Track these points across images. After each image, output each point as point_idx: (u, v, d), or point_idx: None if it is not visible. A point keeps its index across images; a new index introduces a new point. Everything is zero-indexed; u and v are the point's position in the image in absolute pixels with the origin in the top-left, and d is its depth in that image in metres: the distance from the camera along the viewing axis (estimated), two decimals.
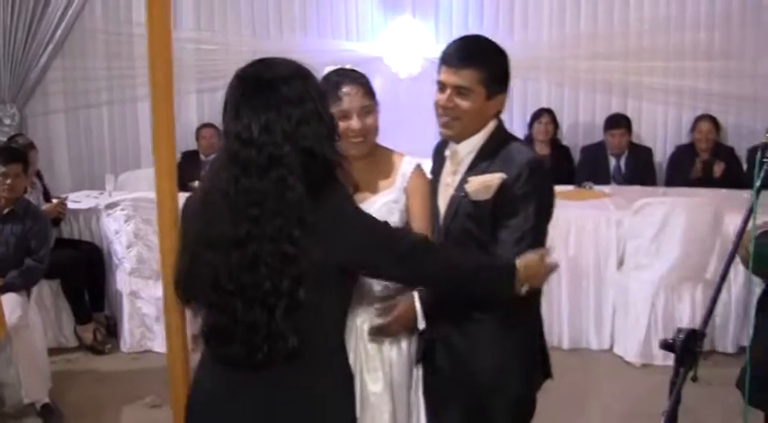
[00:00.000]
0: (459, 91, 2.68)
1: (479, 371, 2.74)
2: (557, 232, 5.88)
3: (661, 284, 5.53)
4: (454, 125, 2.72)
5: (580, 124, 8.01)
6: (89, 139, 8.74)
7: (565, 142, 7.86)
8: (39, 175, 6.66)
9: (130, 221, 5.81)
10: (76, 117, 8.68)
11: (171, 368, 2.95)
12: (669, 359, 5.55)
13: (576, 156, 7.75)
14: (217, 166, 2.25)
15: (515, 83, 8.03)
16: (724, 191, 6.39)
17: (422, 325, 2.66)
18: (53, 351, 5.81)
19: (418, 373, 2.95)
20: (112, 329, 6.32)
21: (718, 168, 6.93)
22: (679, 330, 2.25)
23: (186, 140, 7.65)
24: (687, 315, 5.53)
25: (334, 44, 8.08)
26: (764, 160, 2.39)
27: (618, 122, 7.34)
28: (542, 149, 7.54)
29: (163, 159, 2.92)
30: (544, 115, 7.60)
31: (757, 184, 2.37)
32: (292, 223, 2.11)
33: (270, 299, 2.13)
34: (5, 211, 5.36)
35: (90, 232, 6.56)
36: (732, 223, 5.33)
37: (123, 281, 6.05)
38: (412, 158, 3.01)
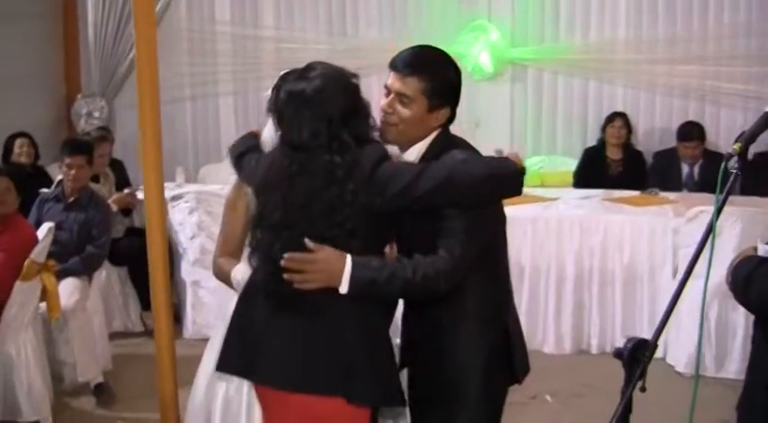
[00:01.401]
0: (401, 98, 2.69)
1: (438, 368, 2.75)
2: (612, 238, 5.89)
3: (715, 294, 5.41)
4: (390, 131, 2.72)
5: (656, 129, 7.88)
6: (172, 132, 8.97)
7: (640, 147, 7.73)
8: (114, 166, 6.93)
9: (194, 213, 6.06)
10: (162, 111, 8.89)
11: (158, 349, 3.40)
12: (722, 371, 5.54)
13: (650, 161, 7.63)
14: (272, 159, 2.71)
15: (590, 85, 8.07)
16: None
17: (344, 288, 2.52)
18: (119, 335, 6.19)
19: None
20: (178, 317, 6.53)
21: None
22: (628, 339, 2.31)
23: None
24: (741, 325, 5.39)
25: (410, 44, 8.11)
26: (732, 170, 2.31)
27: (690, 135, 7.15)
28: (615, 154, 7.49)
29: (150, 152, 3.18)
30: (617, 119, 7.50)
31: (720, 196, 2.31)
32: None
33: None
34: (70, 199, 5.67)
35: None
36: None
37: (187, 270, 6.29)
38: None
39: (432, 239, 2.57)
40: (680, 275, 5.40)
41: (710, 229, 2.30)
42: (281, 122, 2.68)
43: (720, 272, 5.37)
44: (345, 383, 2.57)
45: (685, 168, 7.20)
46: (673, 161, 7.26)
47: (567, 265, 5.98)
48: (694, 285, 5.53)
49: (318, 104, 2.58)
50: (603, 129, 7.57)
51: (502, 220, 2.82)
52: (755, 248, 2.82)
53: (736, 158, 2.31)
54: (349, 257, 2.54)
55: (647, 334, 5.85)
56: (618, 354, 2.28)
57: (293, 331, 2.62)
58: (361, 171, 2.55)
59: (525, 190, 7.26)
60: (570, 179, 7.64)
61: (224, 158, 8.64)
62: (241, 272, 2.85)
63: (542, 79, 8.13)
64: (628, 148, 7.56)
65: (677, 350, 5.60)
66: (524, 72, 8.15)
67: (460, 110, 8.49)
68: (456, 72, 2.77)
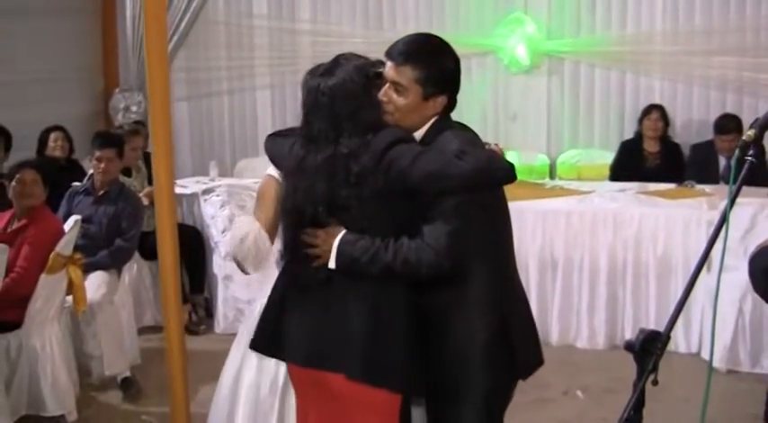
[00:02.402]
0: (396, 87, 2.69)
1: (438, 351, 2.75)
2: (646, 231, 5.84)
3: (749, 288, 5.33)
4: (389, 118, 2.72)
5: (694, 121, 7.80)
6: (210, 126, 9.08)
7: (677, 140, 7.64)
8: (148, 160, 6.98)
9: (225, 207, 6.07)
10: (199, 105, 9.05)
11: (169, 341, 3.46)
12: (758, 366, 5.47)
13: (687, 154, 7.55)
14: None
15: (627, 77, 8.00)
16: None
17: (332, 263, 2.65)
18: (151, 329, 6.18)
19: None
20: (210, 311, 6.59)
21: None
22: (641, 331, 2.25)
23: None
24: None
25: (447, 38, 8.07)
26: (747, 158, 2.27)
27: (727, 128, 7.02)
28: (652, 146, 7.42)
29: (161, 155, 3.23)
30: (654, 111, 7.43)
31: (733, 187, 2.26)
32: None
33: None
34: (100, 192, 5.69)
35: (192, 216, 6.86)
36: None
37: (218, 265, 6.31)
38: None
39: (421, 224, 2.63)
40: (715, 268, 5.39)
41: (723, 220, 2.27)
42: (303, 115, 2.79)
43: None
44: (347, 359, 2.67)
45: (722, 161, 7.11)
46: (710, 154, 7.16)
47: (601, 258, 5.93)
48: (728, 279, 5.50)
49: (330, 102, 2.69)
50: (640, 121, 7.50)
51: (502, 207, 2.85)
52: None
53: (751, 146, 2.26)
54: (342, 233, 2.65)
55: (681, 328, 5.86)
56: (629, 346, 2.25)
57: (311, 312, 2.74)
58: (371, 155, 2.62)
59: (561, 183, 7.25)
60: (607, 172, 7.59)
61: (261, 153, 8.74)
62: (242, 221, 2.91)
63: (579, 72, 8.07)
64: (665, 141, 7.48)
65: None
66: (561, 65, 8.09)
67: (497, 103, 8.47)
68: (453, 59, 2.76)
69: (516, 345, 2.81)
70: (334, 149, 2.66)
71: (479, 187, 2.62)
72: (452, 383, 2.75)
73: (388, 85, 2.71)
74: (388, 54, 2.72)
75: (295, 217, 2.74)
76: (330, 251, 2.65)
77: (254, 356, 3.36)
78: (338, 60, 2.76)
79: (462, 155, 2.58)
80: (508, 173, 2.67)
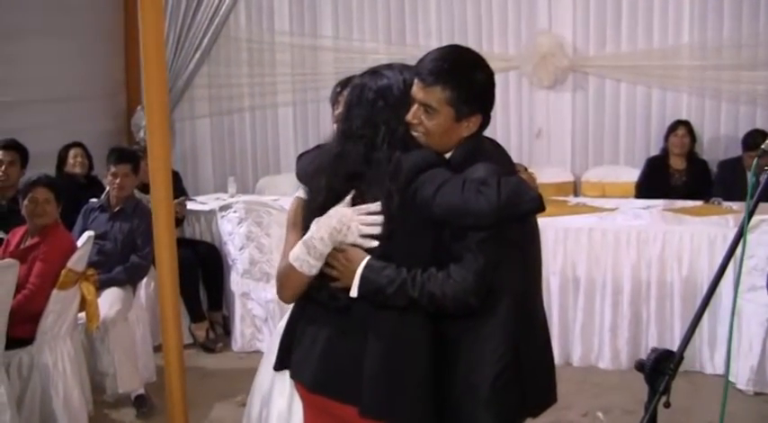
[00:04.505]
0: (426, 109, 2.49)
1: (448, 382, 2.58)
2: (671, 249, 5.71)
3: None
4: (423, 140, 2.53)
5: (721, 137, 7.64)
6: (232, 143, 9.06)
7: (705, 156, 7.50)
8: None
9: (243, 223, 6.02)
10: (221, 122, 9.03)
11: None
12: None
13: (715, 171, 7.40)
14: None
15: (654, 92, 7.88)
16: None
17: (354, 290, 2.47)
18: None
19: None
20: (227, 329, 6.52)
21: None
22: (653, 350, 2.15)
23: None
24: None
25: None
26: (766, 168, 2.17)
27: (756, 144, 6.82)
28: (678, 163, 7.30)
29: (159, 162, 3.20)
30: (680, 127, 7.30)
31: (751, 202, 2.16)
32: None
33: None
34: (115, 208, 5.69)
35: (210, 233, 6.81)
36: None
37: (236, 282, 6.25)
38: None
39: (449, 254, 2.46)
40: (743, 287, 5.23)
41: (740, 235, 2.16)
42: (344, 111, 2.67)
43: None
44: (362, 393, 2.52)
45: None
46: (738, 171, 7.01)
47: (624, 277, 5.80)
48: (755, 299, 5.34)
49: (374, 101, 2.54)
50: (666, 138, 7.38)
51: (533, 238, 2.69)
52: None
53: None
54: (366, 259, 2.47)
55: (707, 349, 5.71)
56: (639, 366, 2.14)
57: (322, 333, 2.61)
58: (399, 178, 2.47)
59: (585, 200, 7.14)
60: (632, 190, 7.46)
61: (283, 170, 8.75)
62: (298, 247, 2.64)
63: (604, 87, 7.94)
64: (692, 158, 7.35)
65: (738, 367, 5.37)
66: (586, 80, 7.97)
67: (521, 119, 8.37)
68: (487, 74, 2.54)
69: (528, 382, 2.61)
70: (370, 150, 2.52)
71: (502, 222, 2.44)
72: (459, 418, 2.58)
73: (416, 105, 2.50)
74: (416, 72, 2.51)
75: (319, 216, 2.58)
76: (352, 277, 2.48)
77: (286, 381, 3.14)
78: (390, 65, 2.61)
79: (484, 187, 2.39)
80: (534, 205, 2.47)
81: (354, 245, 2.50)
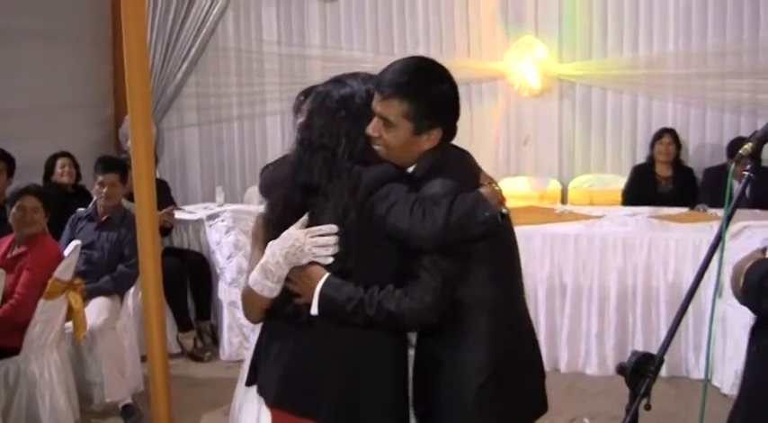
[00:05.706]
0: (385, 122, 2.42)
1: (432, 395, 2.55)
2: (657, 256, 5.74)
3: None
4: (384, 153, 2.47)
5: (707, 145, 7.69)
6: (220, 152, 9.08)
7: (690, 163, 7.55)
8: (157, 186, 6.93)
9: (231, 232, 6.04)
10: (209, 131, 9.06)
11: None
12: None
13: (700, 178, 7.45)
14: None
15: (639, 100, 7.93)
16: None
17: (314, 308, 2.44)
18: None
19: None
20: (215, 338, 6.52)
21: None
22: (633, 353, 2.17)
23: None
24: None
25: (457, 63, 8.04)
26: (745, 172, 2.19)
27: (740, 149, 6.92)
28: (664, 171, 7.33)
29: (143, 171, 3.20)
30: (666, 135, 7.34)
31: (728, 209, 2.18)
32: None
33: None
34: (103, 218, 5.69)
35: (198, 242, 6.80)
36: None
37: (224, 291, 6.27)
38: None
39: (405, 271, 2.42)
40: (728, 292, 5.23)
41: (719, 238, 2.18)
42: (305, 120, 2.59)
43: None
44: (323, 408, 2.50)
45: (736, 184, 6.97)
46: (722, 177, 7.05)
47: (611, 283, 5.83)
48: (737, 305, 5.34)
49: (336, 110, 2.48)
50: (652, 146, 7.41)
51: (504, 243, 2.58)
52: (763, 251, 2.65)
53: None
54: (325, 277, 2.43)
55: (693, 354, 5.73)
56: (620, 369, 2.15)
57: (286, 347, 2.57)
58: (356, 193, 2.44)
59: (572, 208, 7.16)
60: (619, 198, 7.48)
61: None
62: (256, 271, 2.61)
63: (590, 95, 8.00)
64: (677, 165, 7.38)
65: (723, 372, 5.40)
66: (572, 88, 8.02)
67: (509, 127, 8.36)
68: (448, 85, 2.47)
69: (516, 392, 2.56)
70: (329, 163, 2.47)
71: (450, 245, 2.38)
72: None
73: (376, 118, 2.43)
74: (375, 84, 2.45)
75: (277, 229, 2.52)
76: (311, 294, 2.44)
77: (255, 396, 3.16)
78: (356, 74, 2.59)
79: (435, 208, 2.33)
80: (485, 227, 2.37)
81: (315, 262, 2.46)
